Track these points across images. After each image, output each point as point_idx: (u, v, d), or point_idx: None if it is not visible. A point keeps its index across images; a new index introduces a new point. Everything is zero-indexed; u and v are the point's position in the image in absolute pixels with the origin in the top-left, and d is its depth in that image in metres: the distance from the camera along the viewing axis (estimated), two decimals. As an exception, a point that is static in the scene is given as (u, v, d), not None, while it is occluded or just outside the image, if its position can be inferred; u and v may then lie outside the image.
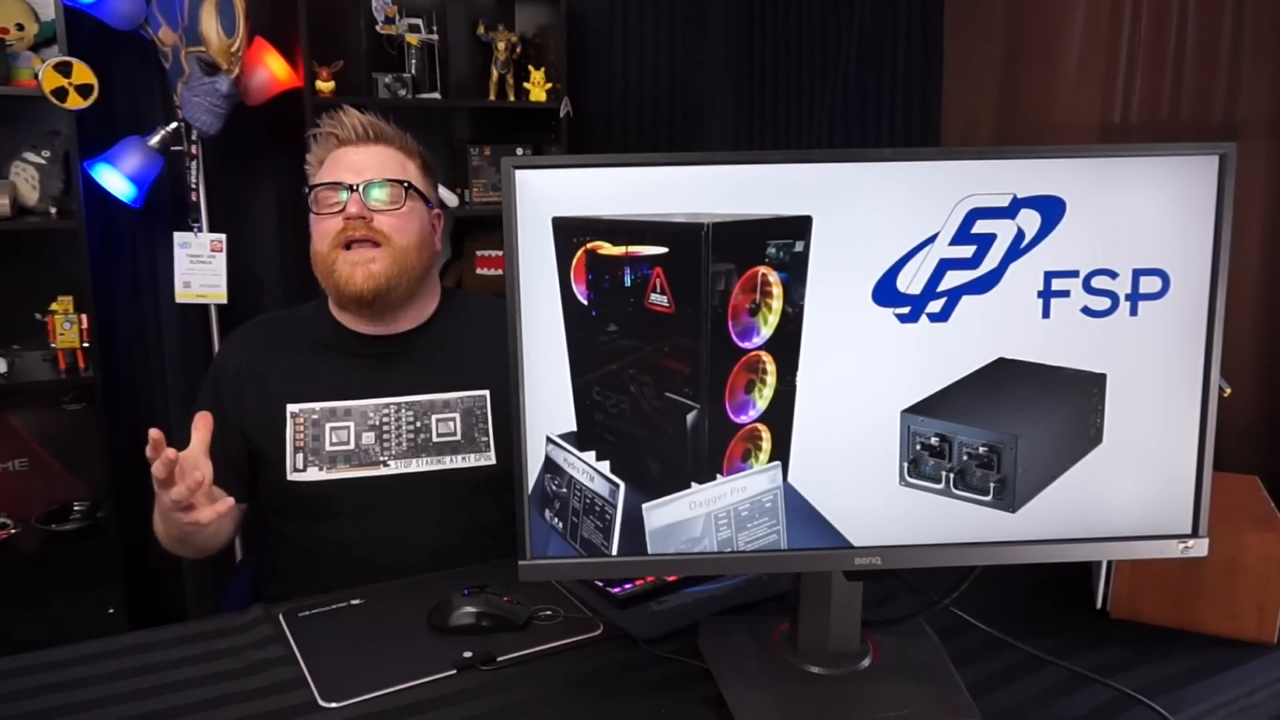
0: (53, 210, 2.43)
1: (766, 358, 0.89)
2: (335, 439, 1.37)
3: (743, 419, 0.90)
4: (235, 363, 1.43)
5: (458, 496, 1.40)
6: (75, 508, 2.56)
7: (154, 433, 1.05)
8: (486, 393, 1.43)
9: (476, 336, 1.47)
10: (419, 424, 1.40)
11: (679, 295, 0.87)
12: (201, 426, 1.14)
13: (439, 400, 1.42)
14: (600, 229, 0.87)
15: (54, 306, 2.47)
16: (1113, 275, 0.89)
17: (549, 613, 1.16)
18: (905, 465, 0.92)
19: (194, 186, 2.61)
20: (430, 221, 1.44)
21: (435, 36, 2.84)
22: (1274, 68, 1.88)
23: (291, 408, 1.38)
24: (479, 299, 1.57)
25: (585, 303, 0.88)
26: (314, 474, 1.36)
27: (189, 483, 1.07)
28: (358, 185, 1.36)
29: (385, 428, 1.39)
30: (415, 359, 1.44)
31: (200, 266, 2.62)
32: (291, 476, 1.36)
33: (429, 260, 1.44)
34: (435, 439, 1.40)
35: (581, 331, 0.89)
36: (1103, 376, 0.91)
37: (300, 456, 1.37)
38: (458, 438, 1.41)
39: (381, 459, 1.38)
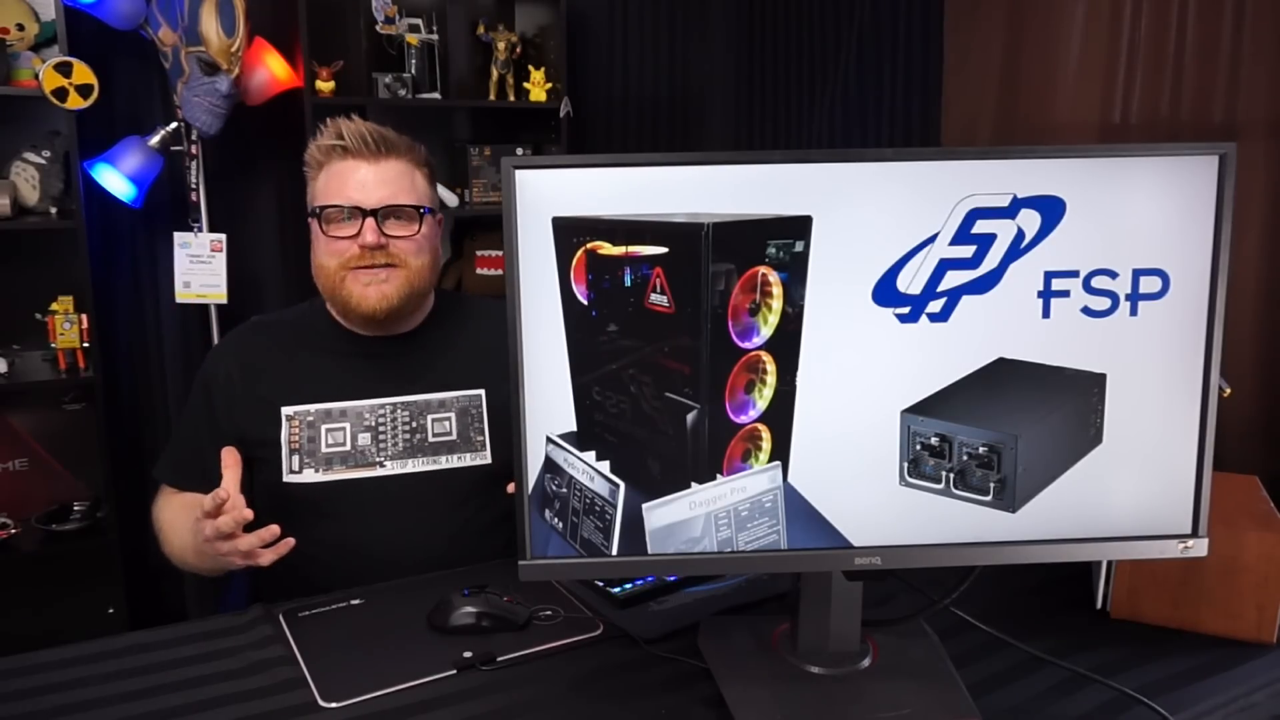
0: (53, 210, 2.43)
1: (766, 358, 0.89)
2: (331, 440, 1.37)
3: (743, 419, 0.90)
4: (226, 369, 1.42)
5: (454, 496, 1.40)
6: (75, 508, 2.56)
7: (220, 495, 1.13)
8: (482, 392, 1.43)
9: (472, 337, 1.47)
10: (414, 424, 1.40)
11: (679, 295, 0.87)
12: (232, 464, 1.18)
13: (434, 400, 1.42)
14: (600, 229, 0.87)
15: (54, 306, 2.47)
16: (1113, 275, 0.89)
17: (549, 613, 1.16)
18: (905, 465, 0.92)
19: (194, 186, 2.61)
20: (436, 231, 1.44)
21: (435, 36, 2.84)
22: (1274, 68, 1.88)
23: (287, 410, 1.38)
24: (473, 300, 1.58)
25: (585, 303, 0.88)
26: (310, 475, 1.36)
27: (237, 516, 1.12)
28: (373, 212, 1.33)
29: (381, 428, 1.39)
30: (411, 359, 1.44)
31: (200, 266, 2.62)
32: (288, 479, 1.36)
33: (437, 272, 1.44)
34: (431, 439, 1.40)
35: (581, 331, 0.89)
36: (1103, 376, 0.91)
37: (296, 459, 1.37)
38: (453, 437, 1.41)
39: (378, 460, 1.38)
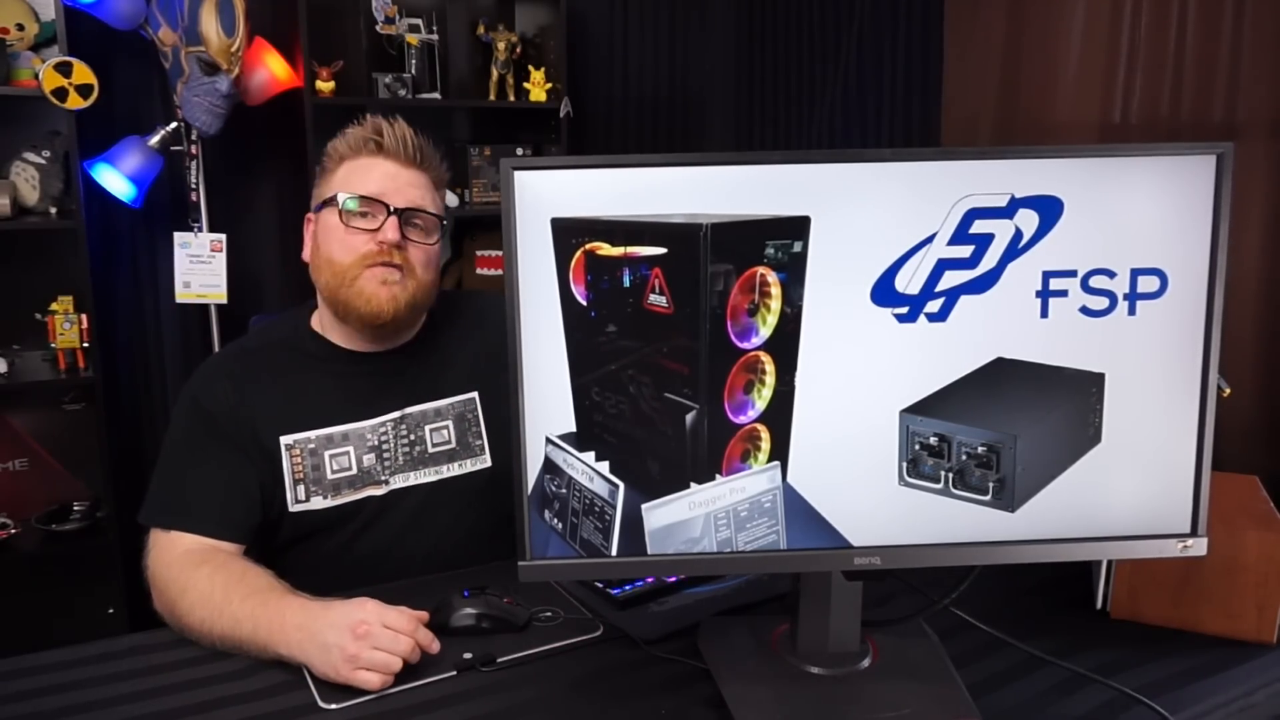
0: (53, 210, 2.44)
1: (765, 358, 0.89)
2: (336, 465, 1.34)
3: (742, 419, 0.90)
4: (221, 388, 1.34)
5: (458, 504, 1.38)
6: (75, 508, 2.57)
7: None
8: (475, 395, 1.41)
9: (460, 338, 1.44)
10: (413, 437, 1.37)
11: (678, 296, 0.87)
12: (428, 642, 1.07)
13: (430, 410, 1.39)
14: (599, 229, 0.87)
15: (54, 306, 2.47)
16: (1111, 275, 0.89)
17: (549, 614, 1.16)
18: (904, 465, 0.92)
19: (194, 186, 2.61)
20: (440, 250, 1.40)
21: (435, 36, 2.84)
22: (1274, 68, 1.88)
23: (285, 439, 1.32)
24: (458, 297, 1.53)
25: (584, 303, 0.88)
26: (318, 503, 1.33)
27: (421, 641, 1.04)
28: (399, 211, 1.30)
29: (385, 446, 1.36)
30: (404, 373, 1.40)
31: (200, 266, 2.62)
32: (294, 508, 1.32)
33: (436, 290, 1.40)
34: (431, 449, 1.38)
35: (581, 332, 0.89)
36: (1101, 376, 0.91)
37: (302, 488, 1.32)
38: (453, 445, 1.39)
39: (383, 478, 1.35)
